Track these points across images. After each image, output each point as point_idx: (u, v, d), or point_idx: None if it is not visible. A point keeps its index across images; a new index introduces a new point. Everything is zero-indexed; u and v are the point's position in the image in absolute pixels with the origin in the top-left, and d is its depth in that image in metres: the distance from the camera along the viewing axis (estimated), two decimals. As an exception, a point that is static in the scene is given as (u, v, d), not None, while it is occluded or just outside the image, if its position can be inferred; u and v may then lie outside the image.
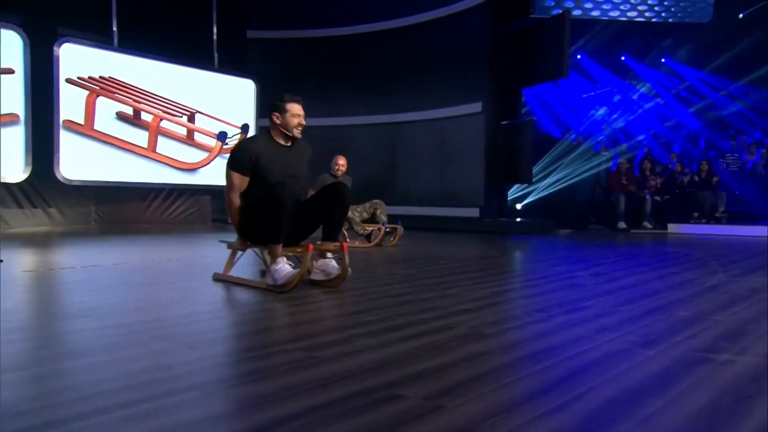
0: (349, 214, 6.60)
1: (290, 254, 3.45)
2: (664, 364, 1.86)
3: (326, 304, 3.12)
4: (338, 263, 3.46)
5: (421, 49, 10.40)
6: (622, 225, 10.60)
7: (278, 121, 3.52)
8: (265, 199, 3.28)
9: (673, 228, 10.44)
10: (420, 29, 10.45)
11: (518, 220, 10.89)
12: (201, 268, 4.45)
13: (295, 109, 3.51)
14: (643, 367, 1.80)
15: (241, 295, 3.39)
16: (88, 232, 8.24)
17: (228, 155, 3.73)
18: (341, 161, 6.77)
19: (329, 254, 3.55)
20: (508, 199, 11.23)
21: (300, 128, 3.55)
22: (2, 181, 8.20)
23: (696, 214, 10.79)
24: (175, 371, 1.75)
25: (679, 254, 6.30)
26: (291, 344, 2.11)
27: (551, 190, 11.96)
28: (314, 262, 3.55)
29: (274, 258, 3.33)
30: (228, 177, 3.53)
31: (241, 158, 3.50)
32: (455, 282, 3.86)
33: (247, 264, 4.09)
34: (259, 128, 10.70)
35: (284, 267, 3.25)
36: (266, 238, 3.39)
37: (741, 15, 14.37)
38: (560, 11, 9.51)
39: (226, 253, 3.73)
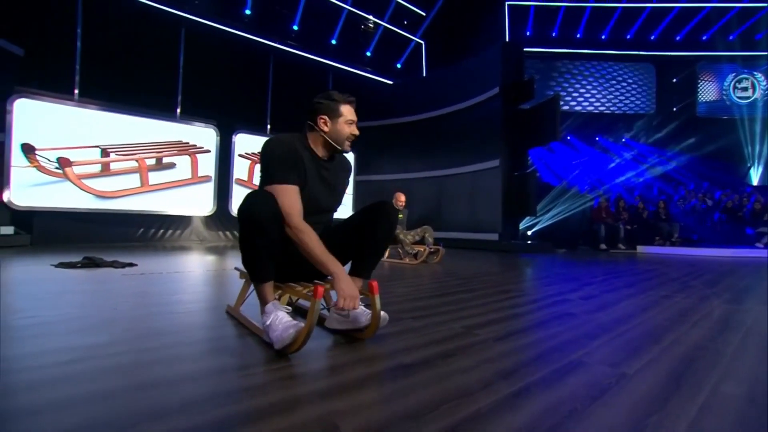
0: (401, 236, 5.01)
1: (299, 296, 1.47)
2: None
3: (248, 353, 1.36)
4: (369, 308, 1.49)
5: (459, 126, 8.88)
6: (603, 246, 8.50)
7: (326, 128, 1.52)
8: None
9: (641, 249, 8.30)
10: (458, 113, 8.93)
11: (528, 242, 8.90)
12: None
13: (351, 114, 1.54)
14: None
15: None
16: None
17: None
18: (402, 197, 5.17)
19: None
20: (522, 228, 9.44)
21: (351, 140, 1.56)
22: (198, 215, 7.98)
23: (657, 239, 8.66)
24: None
25: (656, 272, 4.15)
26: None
27: (552, 221, 10.14)
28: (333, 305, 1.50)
29: (262, 304, 1.41)
30: (282, 196, 1.37)
31: (287, 162, 1.43)
32: (435, 308, 2.11)
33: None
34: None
35: (278, 323, 1.29)
36: (250, 273, 1.42)
37: (675, 108, 13.31)
38: (552, 94, 7.57)
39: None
